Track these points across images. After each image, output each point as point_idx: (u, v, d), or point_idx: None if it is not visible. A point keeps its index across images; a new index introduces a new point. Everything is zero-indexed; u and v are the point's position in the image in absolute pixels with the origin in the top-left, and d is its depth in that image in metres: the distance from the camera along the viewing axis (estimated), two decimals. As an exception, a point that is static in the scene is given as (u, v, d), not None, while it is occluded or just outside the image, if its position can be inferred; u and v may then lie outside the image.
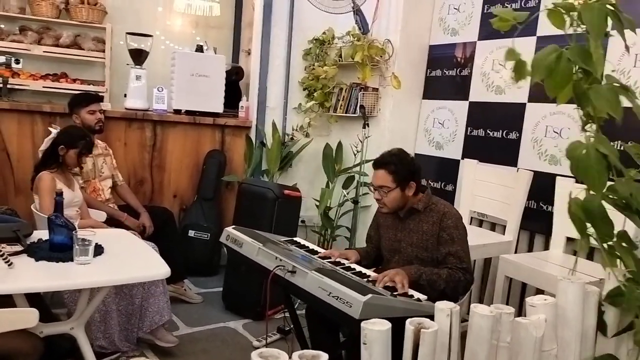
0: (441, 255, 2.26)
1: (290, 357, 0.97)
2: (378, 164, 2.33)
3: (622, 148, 2.74)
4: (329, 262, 2.29)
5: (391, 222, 2.45)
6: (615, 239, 1.41)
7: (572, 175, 1.48)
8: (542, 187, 3.10)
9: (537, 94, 3.22)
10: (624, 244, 1.42)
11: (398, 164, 2.29)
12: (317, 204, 4.02)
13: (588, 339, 1.54)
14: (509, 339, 1.29)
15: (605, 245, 1.39)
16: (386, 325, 1.08)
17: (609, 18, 1.41)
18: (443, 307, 1.21)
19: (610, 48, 2.82)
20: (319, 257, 2.34)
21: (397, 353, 1.22)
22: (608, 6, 1.37)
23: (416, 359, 1.11)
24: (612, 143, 2.84)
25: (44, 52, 4.29)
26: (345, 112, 4.15)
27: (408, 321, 1.15)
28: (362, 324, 1.09)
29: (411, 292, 2.06)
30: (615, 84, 1.41)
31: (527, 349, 1.30)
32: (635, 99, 1.45)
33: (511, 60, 1.41)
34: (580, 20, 1.38)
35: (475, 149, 3.65)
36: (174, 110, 4.12)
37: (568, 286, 1.43)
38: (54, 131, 2.95)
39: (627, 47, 1.50)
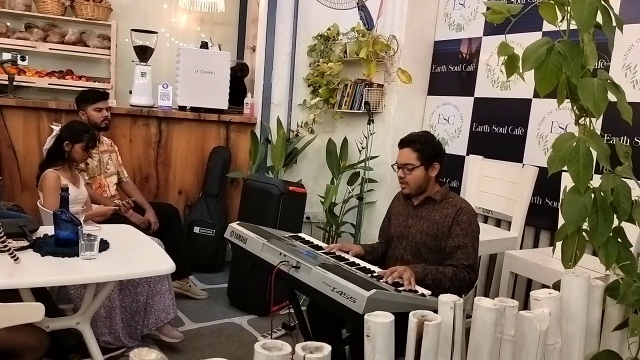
0: (449, 248, 2.25)
1: (293, 349, 0.97)
2: (404, 142, 2.36)
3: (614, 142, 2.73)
4: (333, 257, 2.29)
5: (403, 209, 2.45)
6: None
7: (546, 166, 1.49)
8: (548, 183, 3.08)
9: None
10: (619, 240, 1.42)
11: (424, 143, 2.32)
12: (322, 200, 4.02)
13: (593, 334, 1.53)
14: (513, 333, 1.29)
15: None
16: (389, 317, 1.08)
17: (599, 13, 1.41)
18: (446, 300, 1.21)
19: (617, 43, 2.80)
20: (323, 252, 2.35)
21: (401, 349, 1.22)
22: (601, 2, 1.37)
23: (419, 351, 1.11)
24: (618, 138, 2.84)
25: (50, 49, 4.31)
26: (350, 109, 4.14)
27: (411, 314, 1.15)
28: (366, 317, 1.09)
29: (416, 287, 2.05)
30: (606, 80, 1.41)
31: (531, 342, 1.30)
32: (624, 98, 1.45)
33: (504, 54, 1.42)
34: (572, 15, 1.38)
35: (480, 145, 3.64)
36: (179, 106, 4.13)
37: (572, 280, 1.42)
38: (56, 128, 2.96)
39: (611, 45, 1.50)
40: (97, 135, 3.27)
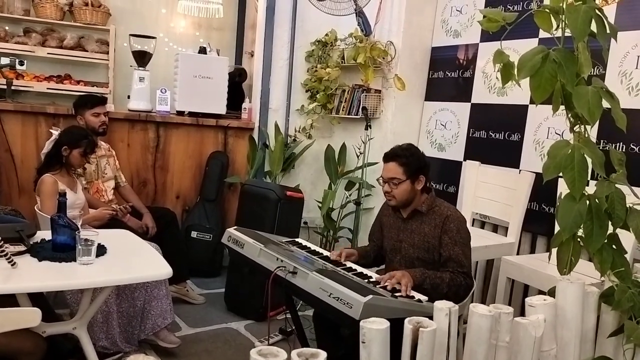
0: (442, 259, 2.26)
1: (289, 355, 0.97)
2: (389, 156, 2.35)
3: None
4: (330, 262, 2.30)
5: (394, 222, 2.46)
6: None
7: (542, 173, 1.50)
8: (544, 188, 3.08)
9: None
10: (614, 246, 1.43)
11: (409, 157, 2.31)
12: (320, 205, 4.02)
13: (588, 340, 1.54)
14: (508, 339, 1.29)
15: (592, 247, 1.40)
16: (385, 324, 1.09)
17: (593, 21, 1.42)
18: (442, 307, 1.22)
19: (613, 50, 2.83)
20: (328, 259, 2.36)
21: (398, 355, 1.22)
22: (595, 10, 1.38)
23: (415, 358, 1.12)
24: (613, 145, 2.86)
25: (48, 53, 4.32)
26: (348, 114, 4.16)
27: (407, 320, 1.16)
28: (361, 323, 1.09)
29: (412, 293, 2.06)
30: (600, 88, 1.42)
31: (526, 348, 1.30)
32: (618, 106, 1.46)
33: (499, 62, 1.43)
34: (567, 23, 1.39)
35: (477, 150, 3.65)
36: (177, 111, 4.13)
37: (567, 286, 1.43)
38: (55, 133, 2.97)
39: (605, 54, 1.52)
40: (95, 141, 3.28)
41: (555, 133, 3.17)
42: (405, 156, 2.31)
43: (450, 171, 3.80)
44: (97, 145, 3.18)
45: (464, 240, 2.28)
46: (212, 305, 3.53)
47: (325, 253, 2.43)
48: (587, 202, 1.46)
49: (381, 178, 2.37)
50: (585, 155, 1.44)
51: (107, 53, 4.46)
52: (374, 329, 1.08)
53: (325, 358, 0.97)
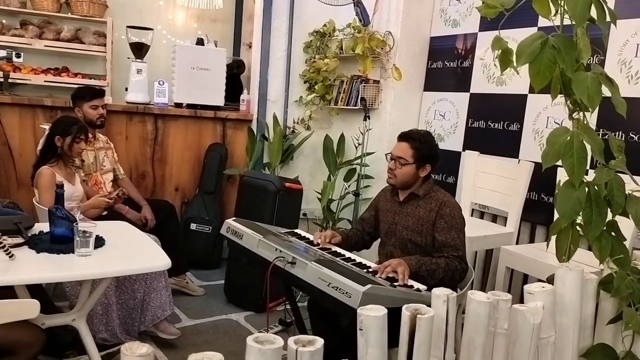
0: (437, 243, 2.28)
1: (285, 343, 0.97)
2: (404, 136, 2.38)
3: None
4: (328, 252, 2.29)
5: (390, 206, 2.48)
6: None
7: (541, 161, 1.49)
8: (544, 178, 3.09)
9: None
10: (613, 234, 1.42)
11: (423, 143, 2.34)
12: (319, 196, 4.02)
13: (586, 327, 1.54)
14: (507, 326, 1.29)
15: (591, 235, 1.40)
16: (382, 311, 1.08)
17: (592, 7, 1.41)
18: (439, 294, 1.21)
19: (612, 38, 2.81)
20: (308, 242, 2.38)
21: (397, 344, 1.22)
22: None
23: (412, 344, 1.12)
24: (613, 134, 2.85)
25: (45, 46, 4.30)
26: (346, 105, 4.14)
27: (404, 307, 1.15)
28: (359, 310, 1.09)
29: (411, 282, 2.06)
30: (600, 74, 1.41)
31: (524, 335, 1.30)
32: (618, 92, 1.45)
33: (498, 48, 1.42)
34: (566, 9, 1.38)
35: (476, 140, 3.64)
36: (175, 103, 4.12)
37: (566, 274, 1.42)
38: (47, 127, 2.96)
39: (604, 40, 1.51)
40: (93, 132, 3.27)
41: (555, 122, 3.16)
42: (419, 141, 2.34)
43: (449, 161, 3.79)
44: (94, 136, 3.17)
45: (459, 225, 2.30)
46: (212, 296, 3.54)
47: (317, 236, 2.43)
48: (587, 189, 1.45)
49: (390, 154, 2.39)
50: (584, 142, 1.43)
51: (105, 45, 4.44)
52: (372, 316, 1.08)
53: (322, 345, 0.96)
